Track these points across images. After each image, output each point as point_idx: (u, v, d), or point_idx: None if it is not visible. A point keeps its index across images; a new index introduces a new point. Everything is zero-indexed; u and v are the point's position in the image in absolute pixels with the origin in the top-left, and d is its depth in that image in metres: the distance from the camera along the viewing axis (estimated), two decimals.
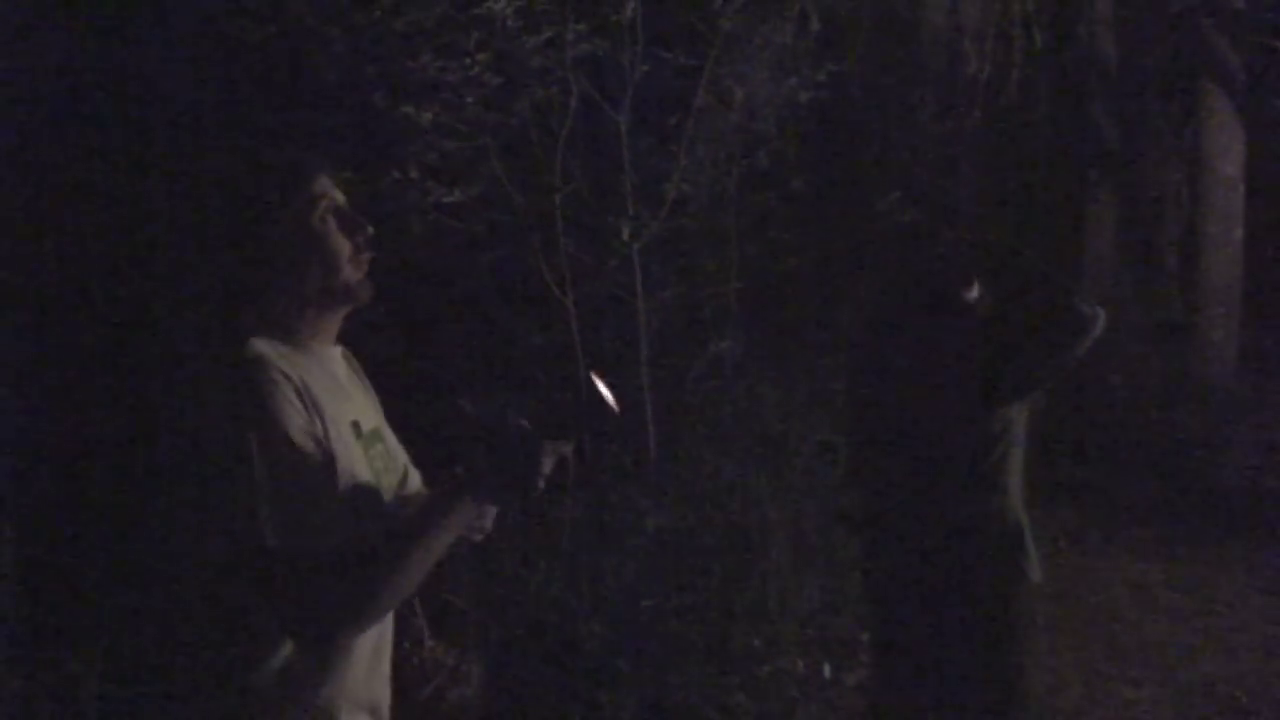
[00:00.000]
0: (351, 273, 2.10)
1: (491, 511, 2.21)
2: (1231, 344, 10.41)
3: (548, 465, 1.97)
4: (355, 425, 2.09)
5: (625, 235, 6.26)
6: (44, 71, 5.73)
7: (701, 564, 5.61)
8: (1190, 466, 8.98)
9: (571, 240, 6.23)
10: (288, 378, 1.96)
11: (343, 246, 2.09)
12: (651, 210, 6.38)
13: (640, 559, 5.42)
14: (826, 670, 5.28)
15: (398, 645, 4.77)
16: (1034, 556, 3.65)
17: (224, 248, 2.06)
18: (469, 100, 5.85)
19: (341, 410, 2.07)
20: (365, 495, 2.03)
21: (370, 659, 2.11)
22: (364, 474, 2.04)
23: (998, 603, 3.61)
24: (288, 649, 1.96)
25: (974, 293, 3.70)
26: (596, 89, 6.18)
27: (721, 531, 5.85)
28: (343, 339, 2.21)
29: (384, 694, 2.17)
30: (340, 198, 2.12)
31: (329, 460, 1.96)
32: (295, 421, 1.93)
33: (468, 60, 5.79)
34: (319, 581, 1.86)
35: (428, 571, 1.95)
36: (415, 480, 2.29)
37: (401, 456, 2.28)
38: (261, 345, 1.99)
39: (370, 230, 2.11)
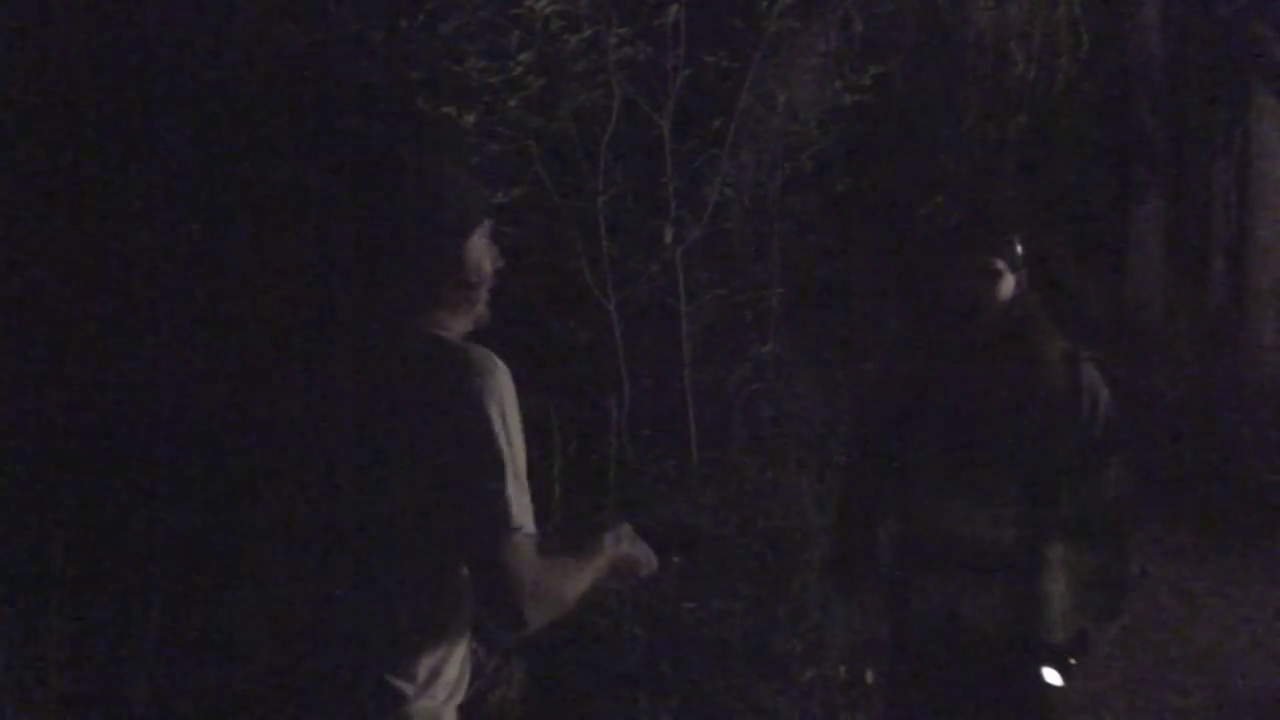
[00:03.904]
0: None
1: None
2: None
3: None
4: None
5: (668, 239, 6.26)
6: (89, 78, 5.80)
7: (743, 568, 5.60)
8: (1239, 471, 8.86)
9: (614, 244, 6.23)
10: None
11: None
12: (694, 214, 6.37)
13: (682, 563, 5.41)
14: (869, 676, 5.25)
15: None
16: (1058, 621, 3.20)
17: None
18: (511, 103, 5.86)
19: None
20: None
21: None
22: None
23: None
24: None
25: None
26: (639, 92, 6.17)
27: (763, 535, 5.83)
28: None
29: None
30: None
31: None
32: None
33: (510, 63, 5.81)
34: (545, 572, 2.05)
35: None
36: None
37: None
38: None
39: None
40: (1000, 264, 3.16)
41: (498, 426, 2.02)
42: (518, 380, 2.15)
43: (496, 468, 2.01)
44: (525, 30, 5.81)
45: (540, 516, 2.19)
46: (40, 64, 5.80)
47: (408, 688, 2.07)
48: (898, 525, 3.42)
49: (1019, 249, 3.20)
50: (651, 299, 6.46)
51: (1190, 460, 8.95)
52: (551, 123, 6.05)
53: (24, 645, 4.18)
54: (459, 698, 2.19)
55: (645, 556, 2.34)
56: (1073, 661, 3.21)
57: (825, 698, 5.05)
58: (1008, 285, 3.17)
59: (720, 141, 6.50)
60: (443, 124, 5.78)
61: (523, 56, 5.82)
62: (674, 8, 6.02)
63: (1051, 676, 3.19)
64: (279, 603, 2.19)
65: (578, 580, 2.17)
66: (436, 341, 2.12)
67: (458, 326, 2.22)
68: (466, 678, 2.22)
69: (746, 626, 5.25)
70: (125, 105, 5.91)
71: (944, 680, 3.26)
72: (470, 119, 5.77)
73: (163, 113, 5.91)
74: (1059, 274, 10.84)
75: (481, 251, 2.23)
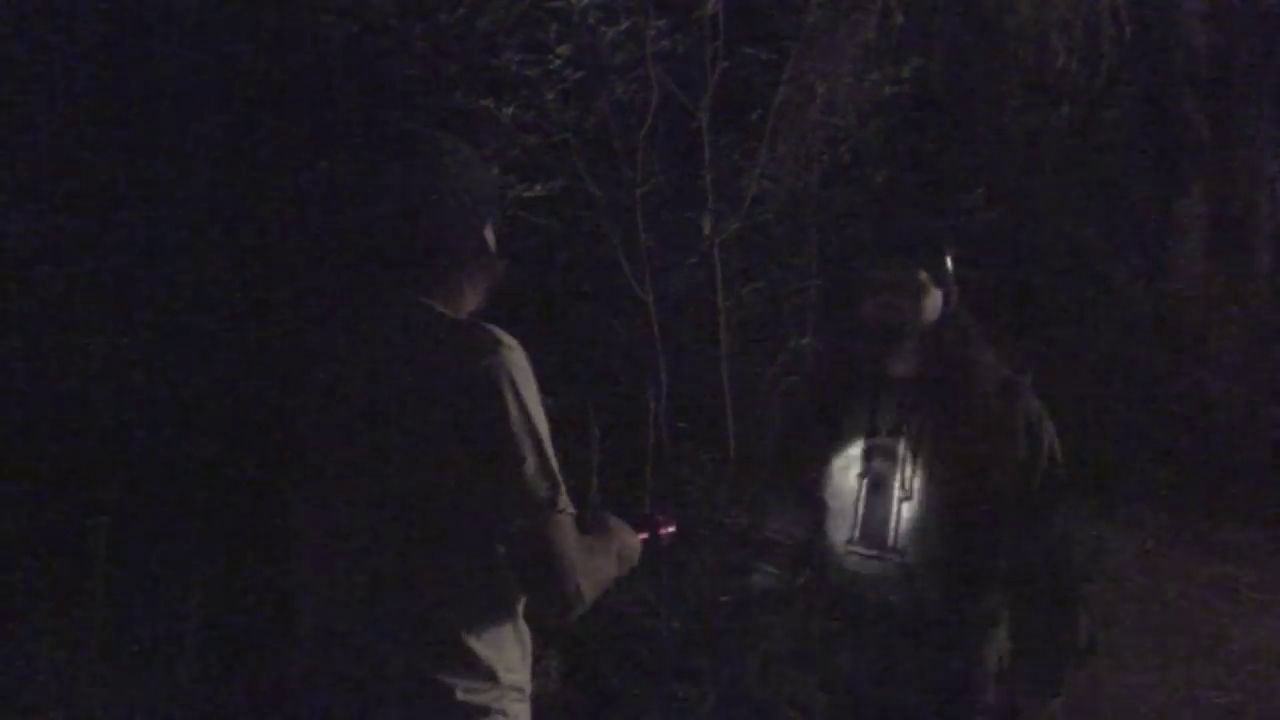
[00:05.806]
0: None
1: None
2: None
3: None
4: None
5: (706, 231, 6.25)
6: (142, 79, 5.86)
7: (780, 560, 5.57)
8: None
9: (652, 236, 6.22)
10: None
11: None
12: (732, 206, 6.36)
13: (720, 555, 5.40)
14: None
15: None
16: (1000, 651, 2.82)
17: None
18: (549, 96, 5.86)
19: None
20: None
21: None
22: None
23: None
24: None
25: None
26: (677, 84, 6.16)
27: None
28: None
29: None
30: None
31: None
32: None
33: (548, 56, 5.81)
34: (588, 550, 2.06)
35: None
36: None
37: None
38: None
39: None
40: (923, 277, 2.77)
41: (511, 404, 1.97)
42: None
43: (513, 446, 1.96)
44: (563, 23, 5.81)
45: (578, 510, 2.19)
46: (85, 55, 5.87)
47: (455, 681, 2.02)
48: (819, 577, 3.11)
49: (948, 263, 2.81)
50: (689, 291, 6.45)
51: (1233, 457, 8.87)
52: (589, 116, 6.04)
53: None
54: (519, 688, 2.13)
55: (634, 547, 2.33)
56: None
57: None
58: (934, 304, 2.80)
59: (758, 134, 6.48)
60: (481, 117, 5.80)
61: (560, 49, 5.82)
62: (712, 0, 6.00)
63: None
64: (317, 600, 2.15)
65: (612, 559, 2.17)
66: (441, 320, 2.10)
67: (466, 310, 2.23)
68: (524, 666, 2.16)
69: (784, 619, 5.24)
70: (163, 97, 5.97)
71: None
72: (508, 112, 5.78)
73: (199, 104, 5.96)
74: (1100, 268, 10.75)
75: (491, 239, 2.29)
